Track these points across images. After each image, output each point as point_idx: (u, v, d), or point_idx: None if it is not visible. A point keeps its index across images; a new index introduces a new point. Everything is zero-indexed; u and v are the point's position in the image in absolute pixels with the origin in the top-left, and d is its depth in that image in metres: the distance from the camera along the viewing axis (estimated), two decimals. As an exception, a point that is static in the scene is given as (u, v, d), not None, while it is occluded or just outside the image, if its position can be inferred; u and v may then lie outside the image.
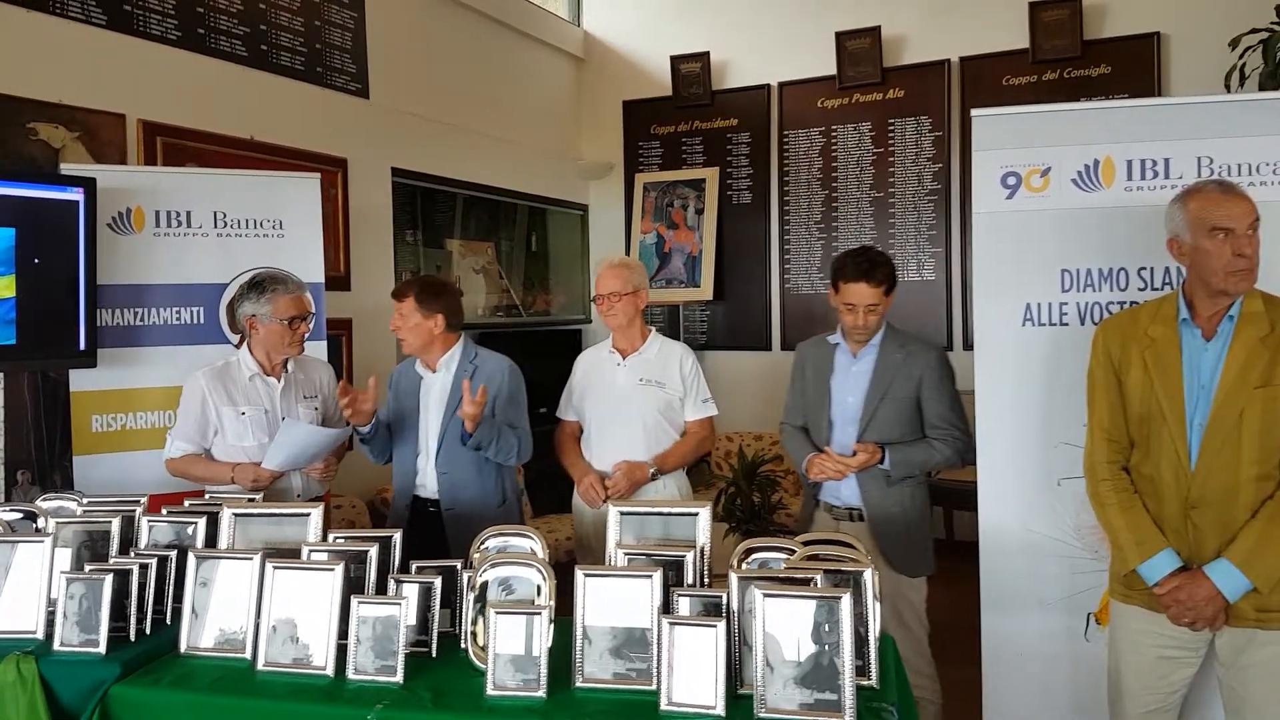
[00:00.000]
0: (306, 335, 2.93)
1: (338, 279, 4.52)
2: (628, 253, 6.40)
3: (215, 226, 3.45)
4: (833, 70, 6.00)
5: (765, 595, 1.78)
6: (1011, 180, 2.63)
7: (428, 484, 2.96)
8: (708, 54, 6.31)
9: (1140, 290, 2.53)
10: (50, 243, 2.96)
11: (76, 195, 3.01)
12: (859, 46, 5.94)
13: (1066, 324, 2.58)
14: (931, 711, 2.84)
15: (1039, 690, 2.57)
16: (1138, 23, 5.34)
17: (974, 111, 2.72)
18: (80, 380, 3.21)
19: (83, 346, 3.06)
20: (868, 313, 2.75)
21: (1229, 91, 4.67)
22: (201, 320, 3.42)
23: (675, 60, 6.39)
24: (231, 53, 4.11)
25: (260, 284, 2.84)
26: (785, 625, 1.75)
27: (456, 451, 2.91)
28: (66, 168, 3.23)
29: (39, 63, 3.37)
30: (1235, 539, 2.03)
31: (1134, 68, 5.35)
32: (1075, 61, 5.48)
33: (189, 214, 3.40)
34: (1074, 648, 2.53)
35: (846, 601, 1.75)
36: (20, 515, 2.41)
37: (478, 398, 2.73)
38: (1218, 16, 4.98)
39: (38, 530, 2.30)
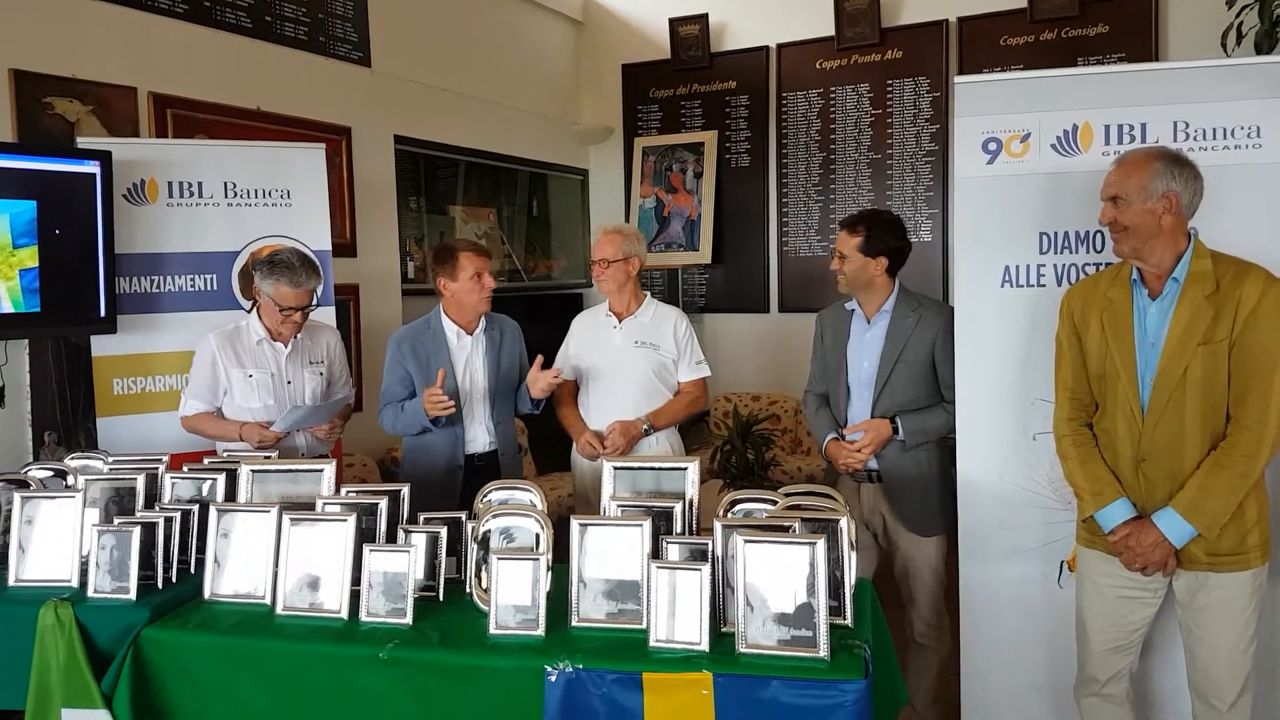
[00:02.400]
0: (301, 322, 3.00)
1: (344, 246, 4.63)
2: (627, 217, 6.47)
3: (226, 196, 3.56)
4: (831, 31, 6.01)
5: (746, 541, 1.91)
6: (992, 146, 2.71)
7: (479, 439, 3.08)
8: (706, 16, 6.32)
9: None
10: (70, 214, 3.08)
11: (93, 168, 3.13)
12: (857, 7, 5.95)
13: (1044, 285, 2.66)
14: (936, 661, 2.95)
15: (1014, 634, 2.69)
16: (1136, -19, 5.34)
17: (956, 79, 2.80)
18: (101, 345, 3.34)
19: (103, 313, 3.19)
20: (839, 259, 2.89)
21: (1225, 51, 4.70)
22: (214, 287, 3.54)
23: (674, 23, 6.39)
24: (237, 25, 4.18)
25: (274, 265, 2.90)
26: (765, 569, 1.89)
27: (505, 404, 3.12)
28: (83, 141, 3.34)
29: (54, 38, 3.46)
30: (1181, 488, 2.15)
31: (1132, 27, 5.35)
32: (1073, 21, 5.49)
33: (200, 184, 3.51)
34: (1047, 593, 2.64)
35: (820, 546, 1.88)
36: (51, 473, 2.56)
37: (554, 373, 3.00)
38: (1215, -25, 4.99)
39: (68, 487, 2.45)
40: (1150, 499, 2.20)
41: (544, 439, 5.02)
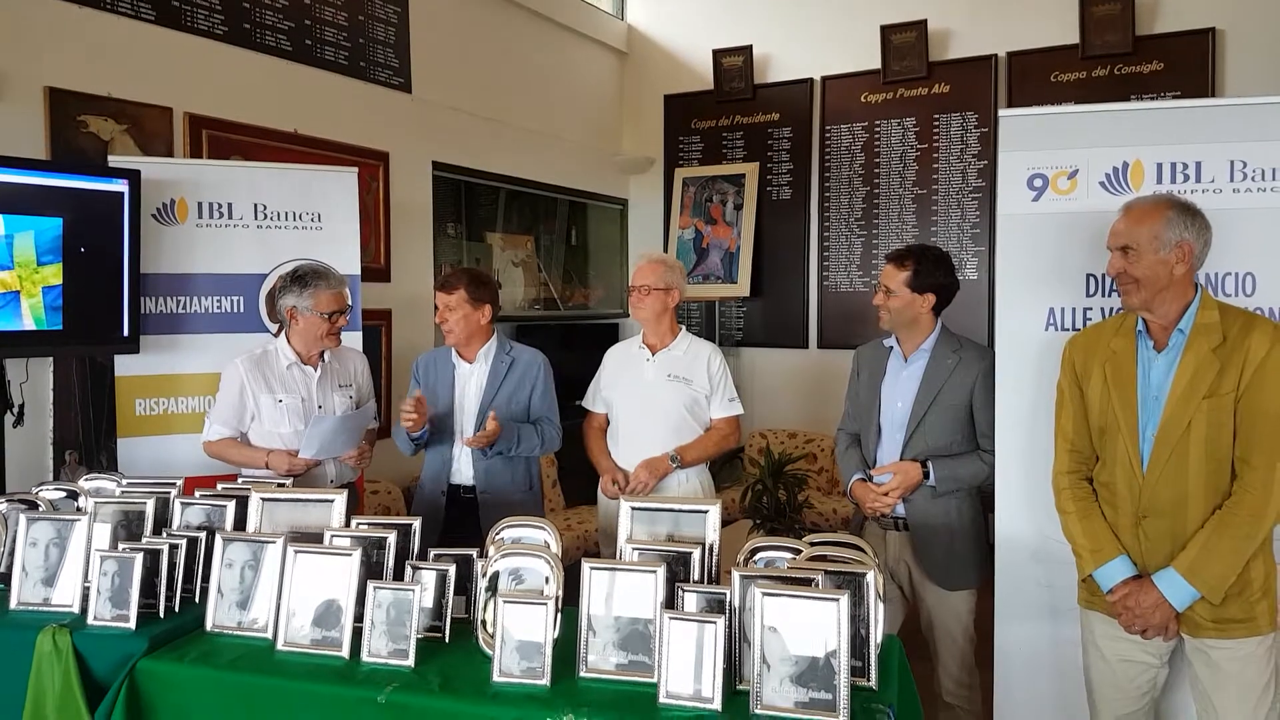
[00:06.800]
0: (343, 328, 3.00)
1: (378, 270, 4.62)
2: (665, 247, 6.41)
3: (255, 218, 3.55)
4: (877, 64, 5.93)
5: (764, 594, 1.80)
6: (1038, 182, 2.60)
7: (463, 470, 3.02)
8: (750, 47, 6.28)
9: (1167, 296, 2.48)
10: (96, 232, 3.07)
11: (122, 187, 3.12)
12: (904, 40, 5.87)
13: (1091, 329, 2.54)
14: None
15: (1051, 697, 2.55)
16: (1192, 18, 5.19)
17: (1001, 112, 2.69)
18: (124, 365, 3.32)
19: (125, 333, 3.17)
20: (885, 294, 2.77)
21: (1286, 90, 4.54)
22: (241, 309, 3.52)
23: (717, 54, 6.37)
24: (276, 47, 4.20)
25: (303, 277, 2.89)
26: (783, 624, 1.77)
27: (499, 439, 2.99)
28: (114, 160, 3.34)
29: (90, 58, 3.48)
30: (1183, 548, 2.05)
31: (1188, 65, 5.20)
32: (1126, 58, 5.35)
33: (230, 205, 3.50)
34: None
35: (844, 602, 1.76)
36: (64, 495, 2.53)
37: (491, 427, 2.86)
38: (1275, 12, 4.85)
39: (78, 509, 2.41)
40: (1151, 558, 2.10)
41: (573, 471, 4.95)
